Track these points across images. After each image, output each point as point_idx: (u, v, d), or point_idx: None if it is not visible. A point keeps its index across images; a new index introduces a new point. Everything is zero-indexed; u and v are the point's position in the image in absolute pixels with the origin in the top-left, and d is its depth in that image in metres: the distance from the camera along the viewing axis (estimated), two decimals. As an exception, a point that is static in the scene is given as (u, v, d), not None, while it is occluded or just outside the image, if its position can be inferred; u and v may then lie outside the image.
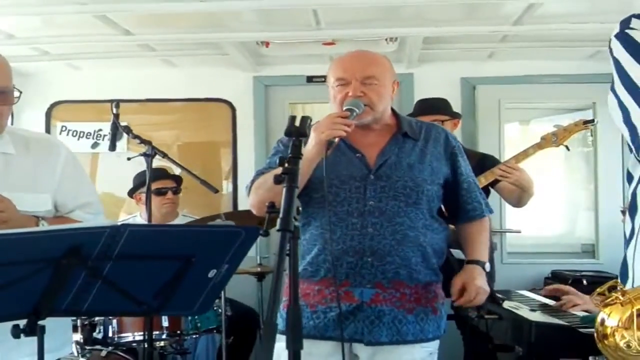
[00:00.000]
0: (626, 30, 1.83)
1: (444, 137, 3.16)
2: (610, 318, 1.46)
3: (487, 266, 3.06)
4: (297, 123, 2.34)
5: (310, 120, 2.43)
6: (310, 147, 2.79)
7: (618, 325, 1.44)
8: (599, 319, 1.48)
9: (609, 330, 1.45)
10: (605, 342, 1.45)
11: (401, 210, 2.94)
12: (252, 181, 3.06)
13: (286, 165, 2.22)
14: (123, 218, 5.82)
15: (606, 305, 1.46)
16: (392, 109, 3.19)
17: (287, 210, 2.09)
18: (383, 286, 2.92)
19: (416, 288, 2.96)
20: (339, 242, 2.92)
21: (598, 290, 1.51)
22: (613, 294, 1.47)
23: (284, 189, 2.15)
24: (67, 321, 3.04)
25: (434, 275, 3.04)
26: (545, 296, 3.89)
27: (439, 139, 3.13)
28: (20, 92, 2.86)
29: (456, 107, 5.40)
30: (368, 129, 3.05)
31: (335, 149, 2.92)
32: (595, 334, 1.50)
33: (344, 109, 2.92)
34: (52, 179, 2.92)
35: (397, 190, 2.95)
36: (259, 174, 3.07)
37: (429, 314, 2.99)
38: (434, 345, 3.03)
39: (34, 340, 2.14)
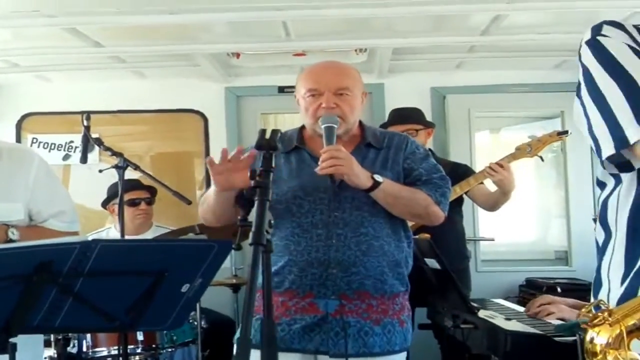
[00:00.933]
0: (597, 37, 1.76)
1: (406, 143, 3.11)
2: (600, 336, 1.45)
3: (378, 177, 2.89)
4: (267, 135, 2.32)
5: (280, 133, 2.41)
6: (212, 188, 2.87)
7: (608, 343, 1.43)
8: (587, 337, 1.47)
9: (598, 349, 1.44)
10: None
11: (365, 220, 2.92)
12: (201, 195, 3.14)
13: (257, 178, 2.20)
14: (98, 230, 5.76)
15: (594, 326, 1.45)
16: (360, 121, 3.16)
17: (259, 223, 2.07)
18: (348, 297, 2.88)
19: (382, 299, 2.94)
20: (304, 253, 2.89)
21: (583, 310, 1.50)
22: (599, 314, 1.45)
23: (256, 202, 2.13)
24: (38, 336, 3.00)
25: (401, 286, 3.01)
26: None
27: (401, 146, 3.09)
28: None
29: (427, 116, 5.39)
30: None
31: (299, 159, 2.95)
32: (584, 353, 1.49)
33: (323, 126, 2.90)
34: (24, 188, 2.88)
35: (360, 200, 2.91)
36: (209, 187, 3.09)
37: (396, 326, 2.96)
38: (401, 357, 2.99)
39: (4, 357, 2.11)
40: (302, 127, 3.14)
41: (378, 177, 2.85)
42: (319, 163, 2.80)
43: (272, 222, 2.12)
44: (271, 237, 2.80)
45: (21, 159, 2.91)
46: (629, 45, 1.72)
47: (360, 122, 3.16)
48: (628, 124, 1.64)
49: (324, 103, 2.93)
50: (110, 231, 5.31)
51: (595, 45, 1.77)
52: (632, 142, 1.63)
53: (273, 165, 2.25)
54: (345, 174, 2.79)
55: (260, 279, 2.06)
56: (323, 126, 2.90)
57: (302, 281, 2.89)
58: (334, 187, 2.85)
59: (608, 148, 1.69)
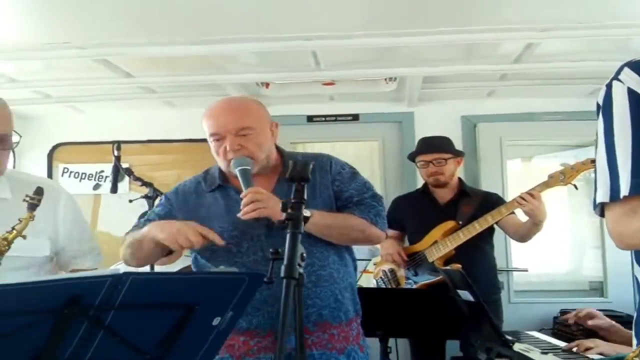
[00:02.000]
0: (613, 80, 1.77)
1: (329, 164, 3.07)
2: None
3: (306, 212, 2.93)
4: (300, 168, 2.30)
5: (313, 165, 2.40)
6: (155, 234, 2.80)
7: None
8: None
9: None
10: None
11: (307, 251, 2.84)
12: (126, 235, 3.04)
13: (289, 210, 2.19)
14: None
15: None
16: (277, 148, 3.12)
17: (291, 256, 2.06)
18: (309, 330, 2.84)
19: (341, 326, 2.91)
20: (268, 300, 2.82)
21: (631, 354, 1.46)
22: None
23: (288, 235, 2.12)
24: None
25: (353, 311, 3.00)
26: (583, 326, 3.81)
27: (325, 167, 3.05)
28: (20, 137, 2.82)
29: (457, 145, 5.41)
30: (255, 177, 2.96)
31: (226, 197, 2.92)
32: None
33: (236, 170, 2.87)
34: (51, 224, 2.87)
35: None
36: (134, 226, 3.05)
37: (358, 352, 2.95)
38: None
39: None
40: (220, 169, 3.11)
41: (306, 212, 2.83)
42: (241, 207, 2.78)
43: (304, 255, 2.09)
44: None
45: (48, 194, 2.86)
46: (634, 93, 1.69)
47: (280, 151, 3.12)
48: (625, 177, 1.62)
49: (228, 147, 2.91)
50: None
51: (607, 91, 1.84)
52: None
53: (305, 197, 2.24)
54: (269, 215, 2.77)
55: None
56: (236, 170, 2.88)
57: (259, 320, 2.85)
58: (266, 223, 2.84)
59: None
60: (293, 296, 2.02)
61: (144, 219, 3.07)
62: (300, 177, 2.28)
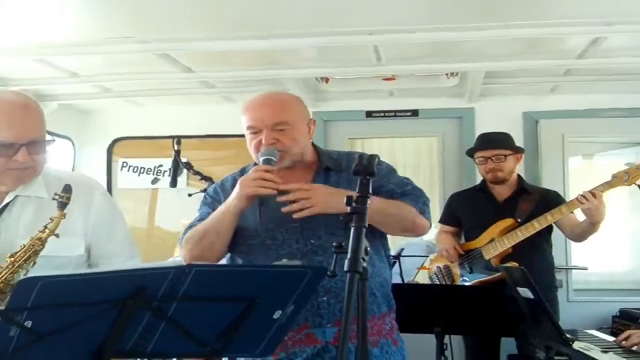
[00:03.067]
0: None
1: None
2: None
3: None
4: (365, 161, 2.29)
5: (379, 159, 2.38)
6: (232, 199, 2.84)
7: None
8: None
9: None
10: None
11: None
12: (183, 235, 3.04)
13: (354, 204, 2.17)
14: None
15: None
16: (313, 145, 3.17)
17: (356, 250, 2.05)
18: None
19: (373, 320, 2.90)
20: (320, 292, 2.84)
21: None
22: None
23: (352, 229, 2.11)
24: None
25: (386, 306, 3.00)
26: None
27: None
28: (53, 140, 2.80)
29: (518, 141, 5.36)
30: (289, 171, 3.01)
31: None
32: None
33: (261, 159, 2.91)
34: (85, 223, 2.81)
35: (333, 225, 2.87)
36: (189, 227, 3.06)
37: (391, 346, 2.95)
38: None
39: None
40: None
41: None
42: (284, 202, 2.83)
43: (369, 249, 2.08)
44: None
45: (82, 192, 2.80)
46: None
47: (315, 147, 3.17)
48: None
49: (263, 140, 2.94)
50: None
51: None
52: None
53: (370, 191, 2.22)
54: (321, 212, 2.80)
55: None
56: (261, 158, 2.92)
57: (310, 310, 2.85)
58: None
59: None
60: (357, 290, 2.00)
61: (196, 220, 3.09)
62: (366, 170, 2.27)
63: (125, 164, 6.66)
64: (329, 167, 3.06)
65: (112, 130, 6.67)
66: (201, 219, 3.05)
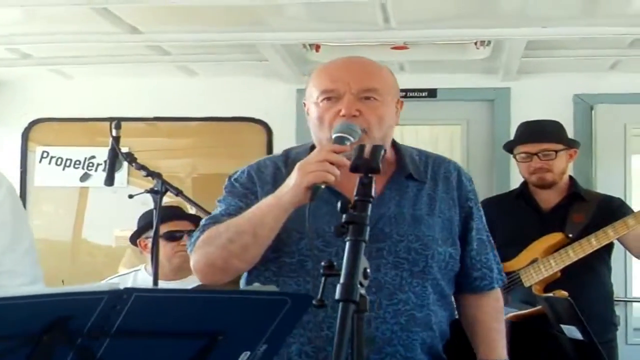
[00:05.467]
0: None
1: (457, 176, 3.05)
2: None
3: None
4: (367, 154, 2.27)
5: (385, 151, 2.35)
6: (286, 190, 2.70)
7: None
8: None
9: None
10: None
11: (405, 282, 2.83)
12: (200, 233, 2.94)
13: (351, 210, 2.15)
14: (121, 272, 5.79)
15: None
16: (393, 140, 3.09)
17: (351, 272, 2.03)
18: None
19: None
20: (323, 327, 2.76)
21: None
22: None
23: (348, 244, 2.10)
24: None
25: None
26: None
27: (450, 178, 3.03)
28: None
29: (568, 132, 5.34)
30: None
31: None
32: None
33: (333, 136, 2.79)
34: None
35: (398, 254, 2.83)
36: (210, 223, 2.95)
37: None
38: None
39: None
40: (314, 147, 3.01)
41: None
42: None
43: (369, 271, 2.07)
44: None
45: None
46: None
47: (394, 143, 3.09)
48: None
49: (344, 109, 2.84)
50: (140, 274, 5.31)
51: None
52: None
53: (373, 193, 2.20)
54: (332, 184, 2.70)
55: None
56: (334, 135, 2.79)
57: (296, 348, 2.81)
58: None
59: None
60: (351, 326, 1.99)
61: (220, 213, 2.99)
62: (367, 166, 2.25)
63: (45, 154, 6.65)
64: (411, 174, 2.97)
65: (30, 108, 6.66)
66: (228, 214, 2.95)
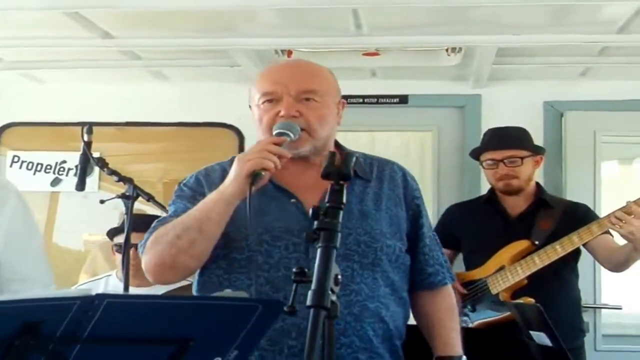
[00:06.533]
0: None
1: (402, 176, 3.11)
2: None
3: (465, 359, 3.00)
4: (338, 161, 2.28)
5: (357, 159, 2.37)
6: (228, 182, 2.77)
7: None
8: None
9: None
10: None
11: (356, 274, 2.86)
12: (150, 235, 2.96)
13: (322, 217, 2.16)
14: (94, 278, 5.76)
15: None
16: (336, 142, 3.15)
17: (322, 279, 2.03)
18: None
19: None
20: (277, 319, 2.80)
21: None
22: None
23: (319, 250, 2.10)
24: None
25: None
26: None
27: (395, 177, 3.09)
28: None
29: (537, 139, 5.41)
30: (305, 166, 2.99)
31: (260, 192, 2.83)
32: None
33: (274, 133, 2.85)
34: None
35: (348, 247, 2.85)
36: (159, 225, 2.97)
37: None
38: None
39: None
40: None
41: None
42: None
43: (339, 277, 2.07)
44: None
45: None
46: None
47: (337, 143, 3.15)
48: None
49: (283, 110, 2.90)
50: (111, 279, 5.30)
51: None
52: None
53: (344, 201, 2.22)
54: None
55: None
56: (274, 132, 2.86)
57: (275, 357, 2.80)
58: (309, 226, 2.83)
59: None
60: (322, 331, 1.99)
61: (169, 216, 3.02)
62: (338, 172, 2.26)
63: (16, 159, 6.61)
64: (356, 171, 2.97)
65: (1, 112, 6.62)
66: (177, 215, 2.96)
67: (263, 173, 2.69)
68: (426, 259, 3.08)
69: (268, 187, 2.89)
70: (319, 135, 2.95)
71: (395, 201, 3.03)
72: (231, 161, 2.97)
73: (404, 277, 3.04)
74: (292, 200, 2.92)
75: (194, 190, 3.06)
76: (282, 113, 2.89)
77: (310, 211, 2.21)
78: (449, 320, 3.08)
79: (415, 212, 3.08)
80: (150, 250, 2.90)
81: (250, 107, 3.07)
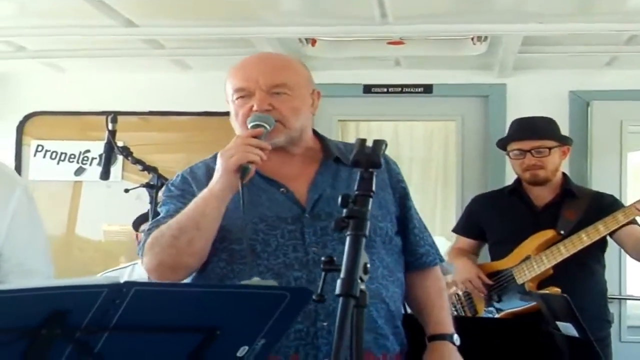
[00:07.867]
0: None
1: (384, 161, 3.06)
2: None
3: (457, 338, 3.01)
4: (368, 149, 2.27)
5: (386, 146, 2.35)
6: (217, 179, 2.82)
7: None
8: None
9: None
10: None
11: None
12: (146, 237, 2.98)
13: (351, 205, 2.16)
14: (119, 266, 5.77)
15: None
16: (314, 131, 3.20)
17: (351, 267, 2.02)
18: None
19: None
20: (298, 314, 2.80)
21: None
22: None
23: (348, 239, 2.09)
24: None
25: (400, 344, 3.02)
26: None
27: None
28: None
29: (563, 129, 5.35)
30: (287, 156, 3.05)
31: (249, 184, 2.86)
32: None
33: (249, 126, 2.90)
34: None
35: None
36: (154, 227, 3.00)
37: None
38: None
39: None
40: None
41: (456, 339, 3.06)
42: None
43: (369, 266, 2.06)
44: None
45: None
46: None
47: (316, 133, 3.20)
48: None
49: (255, 105, 2.93)
50: (137, 268, 5.29)
51: None
52: None
53: (373, 188, 2.21)
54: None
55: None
56: (250, 125, 2.90)
57: (282, 341, 2.73)
58: (305, 214, 2.91)
59: None
60: (351, 319, 1.99)
61: (163, 217, 3.04)
62: (368, 160, 2.24)
63: (40, 148, 6.63)
64: (338, 158, 3.06)
65: (25, 102, 6.64)
66: (170, 216, 2.99)
67: (250, 166, 2.74)
68: (417, 239, 3.12)
69: (255, 179, 2.93)
70: (293, 126, 3.00)
71: (380, 185, 3.00)
72: (214, 158, 3.02)
73: (397, 259, 3.08)
74: (282, 189, 2.97)
75: (181, 189, 3.10)
76: (255, 107, 2.94)
77: (339, 199, 2.21)
78: (439, 299, 3.13)
79: (402, 195, 3.13)
80: (149, 252, 2.94)
81: (227, 102, 3.11)
